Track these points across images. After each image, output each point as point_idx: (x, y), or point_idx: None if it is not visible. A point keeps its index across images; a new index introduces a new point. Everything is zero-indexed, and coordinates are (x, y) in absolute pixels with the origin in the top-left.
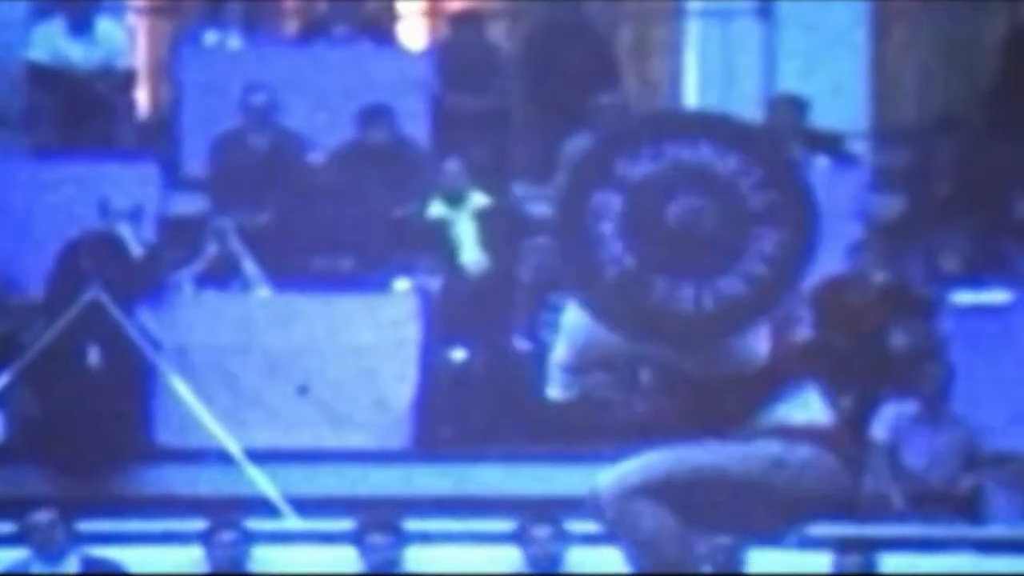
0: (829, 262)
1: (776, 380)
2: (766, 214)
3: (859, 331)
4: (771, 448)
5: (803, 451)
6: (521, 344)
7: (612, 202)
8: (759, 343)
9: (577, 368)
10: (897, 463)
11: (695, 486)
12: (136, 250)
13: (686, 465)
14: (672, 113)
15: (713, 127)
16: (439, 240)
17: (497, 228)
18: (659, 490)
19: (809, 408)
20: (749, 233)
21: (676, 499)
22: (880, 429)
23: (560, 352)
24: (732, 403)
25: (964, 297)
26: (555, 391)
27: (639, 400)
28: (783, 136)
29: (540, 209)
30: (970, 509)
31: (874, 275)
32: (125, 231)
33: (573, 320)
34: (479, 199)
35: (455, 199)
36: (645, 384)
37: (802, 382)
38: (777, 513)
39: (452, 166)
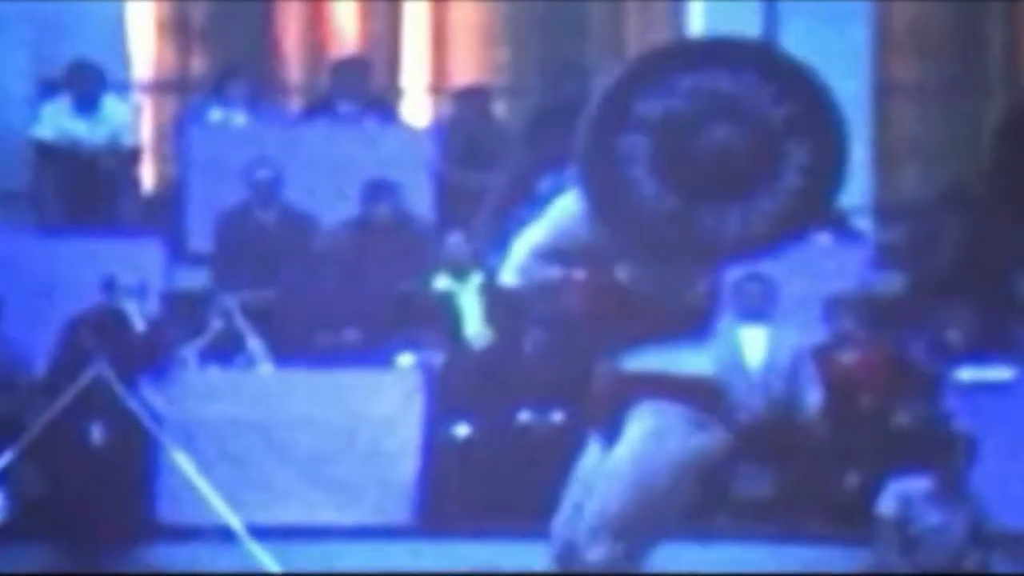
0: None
1: (691, 324)
2: (790, 126)
3: (861, 396)
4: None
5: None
6: (525, 418)
7: (639, 144)
8: (701, 284)
9: (548, 255)
10: (904, 538)
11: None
12: (139, 326)
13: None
14: (675, 44)
15: (719, 50)
16: (443, 314)
17: (502, 302)
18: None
19: (695, 361)
20: (779, 148)
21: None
22: (888, 505)
23: (537, 235)
24: (648, 324)
25: (968, 374)
26: (510, 275)
27: (572, 297)
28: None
29: None
30: None
31: (856, 334)
32: (129, 307)
33: (565, 208)
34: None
35: (460, 273)
36: (589, 280)
37: (704, 333)
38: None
39: (456, 240)
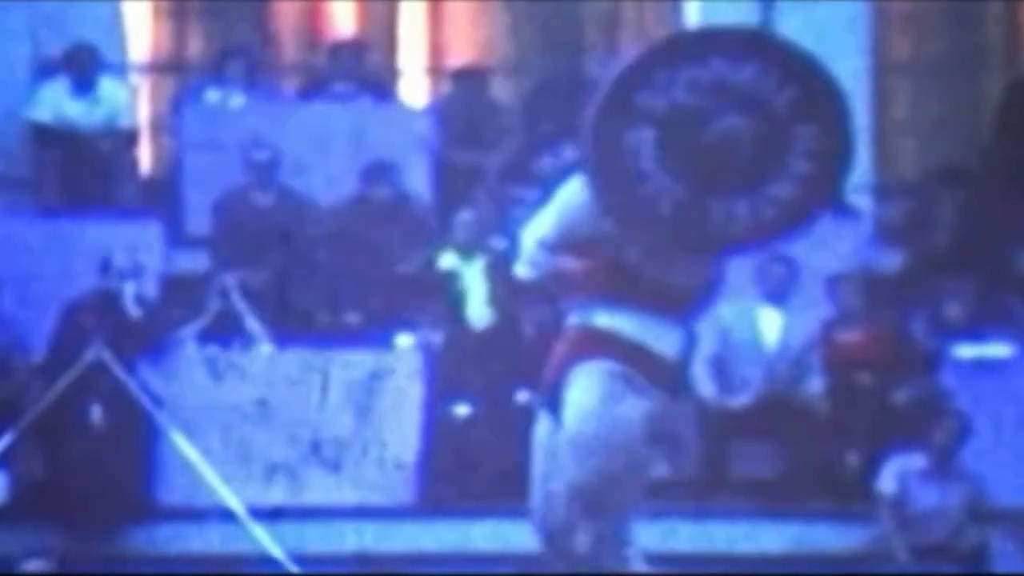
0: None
1: (678, 304)
2: (795, 112)
3: (861, 374)
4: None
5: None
6: (524, 399)
7: (645, 138)
8: (701, 271)
9: (556, 246)
10: (902, 516)
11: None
12: (133, 310)
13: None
14: (671, 38)
15: (715, 41)
16: (446, 292)
17: (506, 284)
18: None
19: (667, 340)
20: (786, 133)
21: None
22: (886, 482)
23: (544, 227)
24: (635, 293)
25: (966, 351)
26: (523, 268)
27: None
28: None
29: None
30: (975, 562)
31: (856, 312)
32: (123, 289)
33: (569, 199)
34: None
35: (467, 252)
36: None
37: (689, 317)
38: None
39: (466, 218)
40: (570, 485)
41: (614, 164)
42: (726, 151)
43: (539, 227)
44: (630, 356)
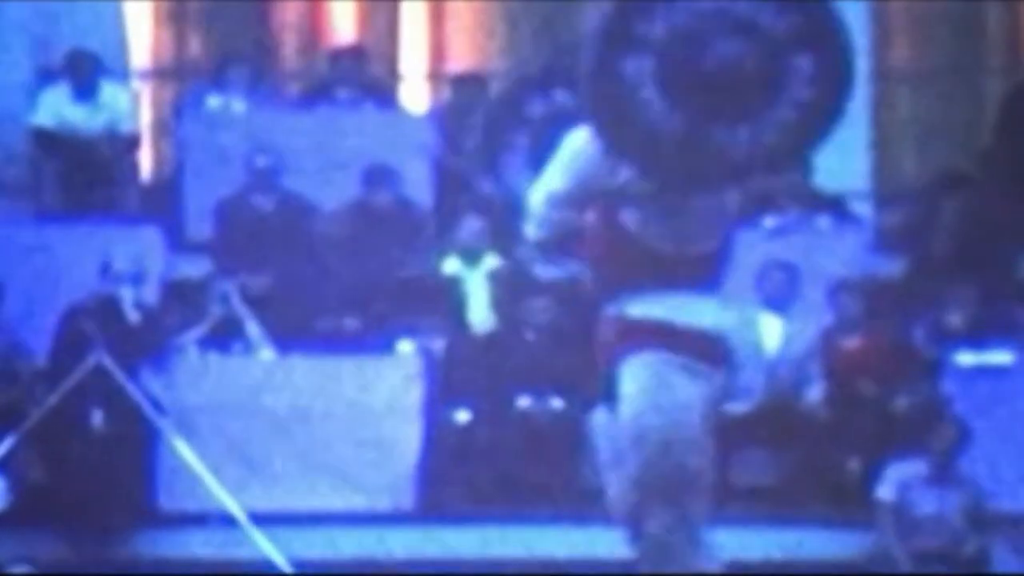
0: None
1: (698, 276)
2: (796, 39)
3: (861, 381)
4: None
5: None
6: (525, 404)
7: (644, 65)
8: (711, 237)
9: (566, 200)
10: (903, 522)
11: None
12: (132, 315)
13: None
14: None
15: None
16: (448, 297)
17: (509, 290)
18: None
19: (698, 313)
20: (785, 62)
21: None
22: (886, 489)
23: (552, 181)
24: (656, 273)
25: (967, 358)
26: (531, 228)
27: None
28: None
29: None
30: (975, 569)
31: (857, 319)
32: (122, 295)
33: (575, 149)
34: (494, 260)
35: (471, 257)
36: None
37: (711, 286)
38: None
39: (471, 224)
40: (638, 475)
41: (613, 91)
42: (726, 76)
43: (547, 183)
44: (674, 341)
